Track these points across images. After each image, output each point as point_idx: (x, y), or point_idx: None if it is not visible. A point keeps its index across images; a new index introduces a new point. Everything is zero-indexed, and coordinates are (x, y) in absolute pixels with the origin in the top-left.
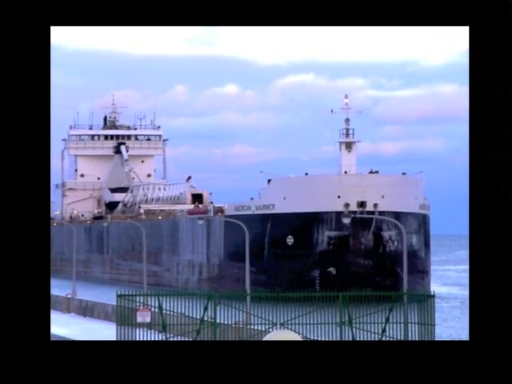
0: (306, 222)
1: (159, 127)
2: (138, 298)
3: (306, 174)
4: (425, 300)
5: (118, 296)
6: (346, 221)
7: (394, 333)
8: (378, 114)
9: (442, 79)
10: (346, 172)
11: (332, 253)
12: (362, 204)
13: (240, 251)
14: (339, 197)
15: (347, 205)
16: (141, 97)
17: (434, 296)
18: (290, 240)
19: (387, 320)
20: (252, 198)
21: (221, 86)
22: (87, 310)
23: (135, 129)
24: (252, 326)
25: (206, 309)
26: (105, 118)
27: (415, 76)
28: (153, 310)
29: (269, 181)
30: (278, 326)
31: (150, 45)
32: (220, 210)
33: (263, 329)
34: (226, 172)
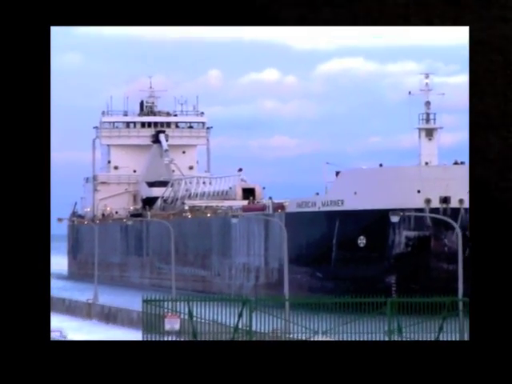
0: (381, 221)
1: (203, 113)
2: (166, 303)
3: (381, 165)
4: None
5: (144, 301)
6: (395, 219)
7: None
8: (433, 101)
9: None
10: (426, 163)
11: (410, 256)
12: (445, 200)
13: (304, 254)
14: (419, 191)
15: (428, 201)
16: (171, 83)
17: None
18: (361, 241)
19: (441, 329)
20: (318, 193)
21: (259, 71)
22: (110, 317)
23: (175, 115)
24: (291, 335)
25: (240, 315)
26: (141, 104)
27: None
28: (182, 316)
29: (337, 173)
30: (320, 334)
31: (181, 28)
32: (280, 207)
33: (303, 338)
34: (262, 165)
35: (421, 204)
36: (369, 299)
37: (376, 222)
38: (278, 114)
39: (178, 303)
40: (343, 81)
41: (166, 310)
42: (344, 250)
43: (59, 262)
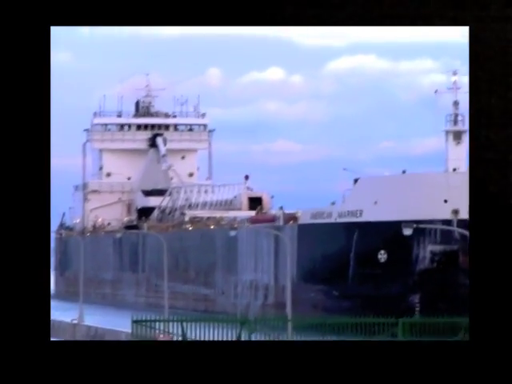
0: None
1: (204, 115)
2: (157, 324)
3: (404, 171)
4: None
5: (134, 322)
6: (408, 232)
7: None
8: (449, 101)
9: None
10: (454, 169)
11: (436, 272)
12: None
13: (318, 270)
14: (446, 201)
15: (456, 211)
16: (166, 83)
17: None
18: (382, 256)
19: None
20: (333, 203)
21: (262, 69)
22: (96, 338)
23: (174, 116)
24: None
25: (239, 337)
26: (137, 104)
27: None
28: (175, 338)
29: (355, 181)
30: None
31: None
32: (292, 218)
33: None
34: (266, 172)
35: (448, 215)
36: (379, 319)
37: (398, 234)
38: (283, 116)
39: (171, 324)
40: (354, 80)
41: (157, 331)
42: (363, 265)
43: None
